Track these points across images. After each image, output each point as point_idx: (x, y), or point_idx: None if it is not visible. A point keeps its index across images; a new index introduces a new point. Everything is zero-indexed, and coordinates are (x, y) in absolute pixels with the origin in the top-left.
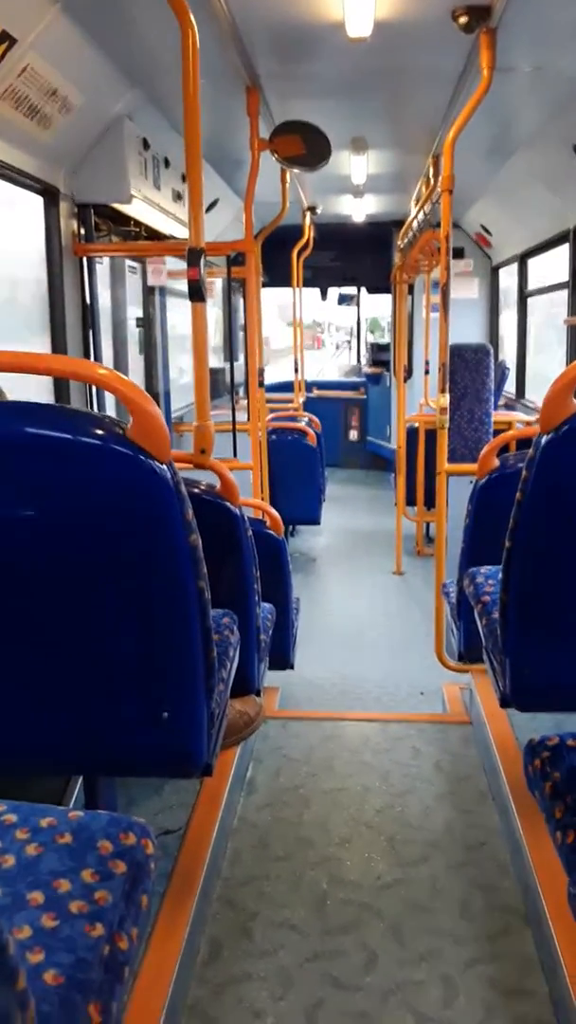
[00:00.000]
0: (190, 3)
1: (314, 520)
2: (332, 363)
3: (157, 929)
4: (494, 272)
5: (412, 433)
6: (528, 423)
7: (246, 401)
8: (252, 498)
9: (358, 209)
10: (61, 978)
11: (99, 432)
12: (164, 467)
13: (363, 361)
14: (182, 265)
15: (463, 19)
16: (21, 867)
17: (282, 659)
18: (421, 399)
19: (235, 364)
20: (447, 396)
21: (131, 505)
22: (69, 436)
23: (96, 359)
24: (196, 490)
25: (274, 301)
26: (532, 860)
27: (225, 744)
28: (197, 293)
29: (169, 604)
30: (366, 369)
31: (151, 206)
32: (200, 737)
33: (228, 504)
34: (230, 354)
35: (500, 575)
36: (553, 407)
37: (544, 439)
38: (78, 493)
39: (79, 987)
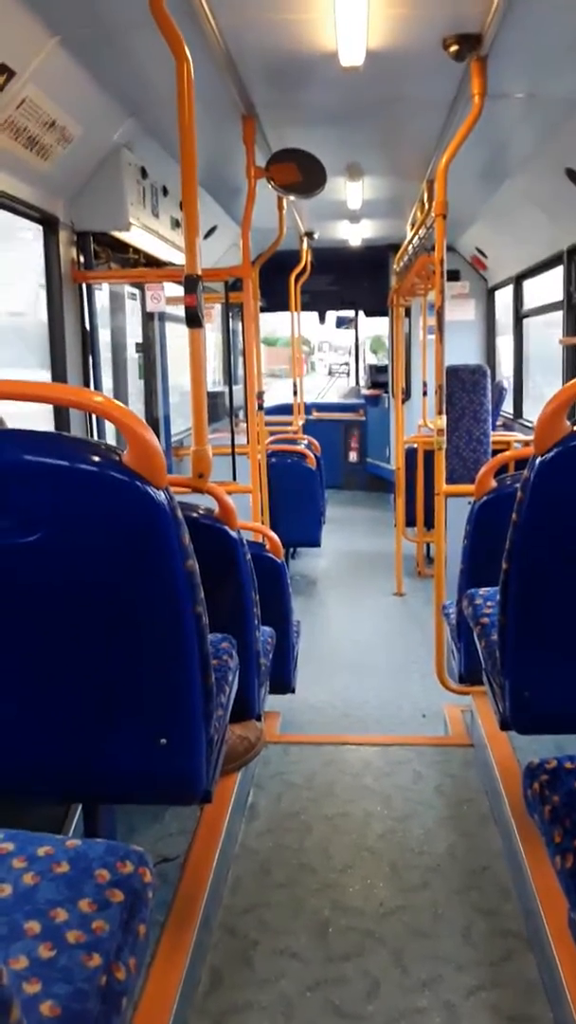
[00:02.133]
0: (185, 35)
1: (314, 542)
2: (324, 391)
3: (157, 959)
4: (490, 294)
5: (411, 454)
6: (526, 443)
7: (245, 424)
8: (252, 521)
9: (354, 234)
10: (58, 1009)
11: (95, 459)
12: (160, 492)
13: (362, 383)
14: (181, 291)
15: (454, 48)
16: (18, 896)
17: (283, 683)
18: (420, 420)
19: (234, 388)
20: (444, 417)
21: (127, 531)
22: (65, 463)
23: (96, 385)
24: (194, 514)
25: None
26: (534, 884)
27: (226, 770)
28: (194, 319)
29: (166, 629)
30: (365, 391)
31: (149, 233)
32: (199, 763)
33: (226, 528)
34: (229, 378)
35: (498, 596)
36: (546, 429)
37: (538, 460)
38: (74, 519)
39: (76, 1018)
